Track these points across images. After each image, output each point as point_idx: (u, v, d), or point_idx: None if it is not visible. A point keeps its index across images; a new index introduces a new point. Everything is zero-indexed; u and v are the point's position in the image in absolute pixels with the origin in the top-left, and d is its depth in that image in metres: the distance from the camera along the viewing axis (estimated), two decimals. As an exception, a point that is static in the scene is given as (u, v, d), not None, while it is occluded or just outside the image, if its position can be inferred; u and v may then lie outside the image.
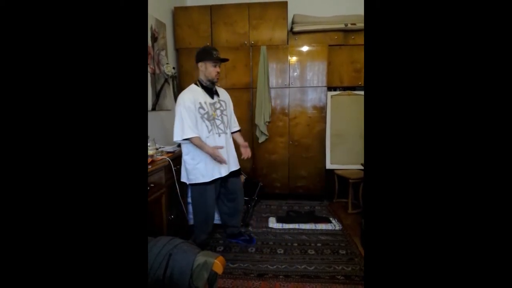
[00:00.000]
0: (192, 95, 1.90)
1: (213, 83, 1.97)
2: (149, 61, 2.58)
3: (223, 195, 2.18)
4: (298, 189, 3.23)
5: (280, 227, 2.55)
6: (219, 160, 1.92)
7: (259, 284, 1.77)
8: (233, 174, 2.09)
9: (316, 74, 3.07)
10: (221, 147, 1.95)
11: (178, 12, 3.11)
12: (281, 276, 1.83)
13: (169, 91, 2.96)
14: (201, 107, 1.90)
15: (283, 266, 1.95)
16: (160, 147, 2.15)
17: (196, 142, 1.88)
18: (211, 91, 1.98)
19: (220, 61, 1.93)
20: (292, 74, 3.09)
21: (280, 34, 3.06)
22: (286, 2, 3.01)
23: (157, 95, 2.71)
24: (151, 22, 2.61)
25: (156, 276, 1.10)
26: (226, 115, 2.03)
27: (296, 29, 3.10)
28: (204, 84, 1.96)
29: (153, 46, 2.64)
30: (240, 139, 2.21)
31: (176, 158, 2.10)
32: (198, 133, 1.87)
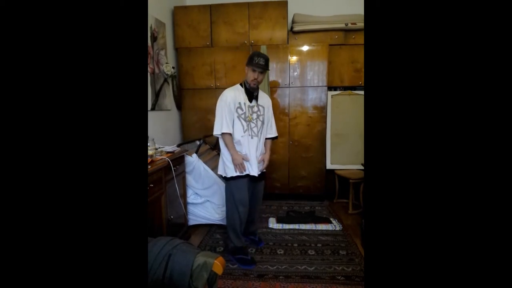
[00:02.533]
0: (234, 93, 1.96)
1: (255, 87, 1.99)
2: (149, 60, 2.57)
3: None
4: (298, 189, 3.23)
5: (280, 228, 2.55)
6: (239, 168, 1.95)
7: (259, 284, 1.76)
8: (259, 178, 2.08)
9: (317, 73, 3.06)
10: (247, 159, 1.98)
11: (178, 12, 3.11)
12: (281, 277, 1.83)
13: (168, 90, 2.96)
14: (240, 107, 1.95)
15: (283, 267, 1.95)
16: (159, 147, 2.15)
17: (227, 140, 1.94)
18: (251, 94, 2.00)
19: (257, 68, 1.90)
20: (292, 74, 3.09)
21: (280, 34, 3.05)
22: (286, 2, 3.00)
23: (157, 95, 2.70)
24: (150, 22, 2.60)
25: (156, 277, 1.10)
26: (262, 121, 2.03)
27: (296, 28, 3.10)
28: (247, 86, 1.99)
29: (152, 45, 2.63)
30: (269, 148, 2.14)
31: (176, 158, 2.09)
32: (231, 130, 1.94)
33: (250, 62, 1.92)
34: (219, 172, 2.10)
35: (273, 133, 2.16)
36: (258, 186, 2.14)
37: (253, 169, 1.99)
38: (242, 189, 1.99)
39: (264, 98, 2.09)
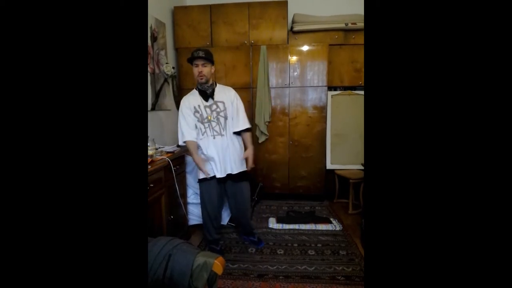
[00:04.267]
0: (188, 99, 2.00)
1: (206, 85, 1.95)
2: (149, 60, 2.57)
3: (227, 197, 2.20)
4: (298, 189, 3.23)
5: (280, 228, 2.55)
6: (202, 171, 1.98)
7: (259, 284, 1.76)
8: (231, 178, 2.04)
9: (317, 73, 3.06)
10: (206, 161, 2.00)
11: (178, 12, 3.11)
12: (281, 277, 1.83)
13: (168, 91, 2.96)
14: (196, 111, 1.97)
15: (283, 267, 1.95)
16: (159, 147, 2.15)
17: (189, 146, 1.98)
18: (205, 94, 1.97)
19: (198, 59, 1.86)
20: (292, 74, 3.09)
21: (280, 34, 3.05)
22: (286, 2, 3.00)
23: (157, 95, 2.70)
24: (150, 22, 2.60)
25: (156, 277, 1.10)
26: (224, 117, 1.99)
27: (296, 28, 3.10)
28: (199, 87, 1.98)
29: (152, 45, 2.63)
30: (247, 143, 2.11)
31: (176, 158, 2.09)
32: (193, 137, 1.97)
33: (190, 58, 1.91)
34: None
35: (240, 126, 2.03)
36: (236, 187, 2.08)
37: (218, 170, 1.99)
38: (209, 191, 2.04)
39: (223, 93, 2.02)
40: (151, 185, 1.73)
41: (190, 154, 2.02)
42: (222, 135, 1.98)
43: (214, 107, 1.98)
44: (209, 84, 1.96)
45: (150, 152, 1.88)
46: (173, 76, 2.97)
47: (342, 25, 3.04)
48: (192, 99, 1.99)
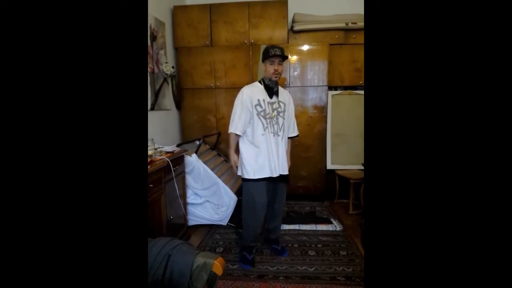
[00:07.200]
0: (251, 90, 1.91)
1: (275, 82, 1.92)
2: (148, 60, 2.56)
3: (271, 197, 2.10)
4: (299, 189, 3.22)
5: (281, 228, 2.53)
6: (234, 166, 1.97)
7: (259, 285, 1.75)
8: (282, 178, 1.98)
9: (317, 73, 3.05)
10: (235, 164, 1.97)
11: (178, 11, 3.10)
12: (281, 277, 1.82)
13: (168, 90, 2.95)
14: (259, 104, 1.88)
15: (283, 267, 1.94)
16: (159, 147, 2.13)
17: (231, 139, 1.93)
18: (271, 90, 1.92)
19: (276, 57, 1.84)
20: (293, 73, 3.08)
21: (280, 33, 3.04)
22: (286, 1, 2.99)
23: (156, 95, 2.69)
24: (150, 21, 2.59)
25: (156, 277, 1.09)
26: (283, 118, 1.94)
27: (297, 28, 3.09)
28: (266, 83, 1.92)
29: (152, 45, 2.62)
30: (288, 147, 2.07)
31: (175, 158, 2.08)
32: (241, 132, 1.90)
33: (266, 55, 1.87)
34: (238, 173, 2.01)
35: (295, 131, 2.08)
36: (280, 188, 2.02)
37: (275, 169, 1.90)
38: (261, 192, 1.93)
39: (284, 94, 2.01)
40: (150, 185, 1.71)
41: (228, 147, 1.97)
42: (278, 135, 1.93)
43: (276, 105, 1.93)
44: (275, 83, 1.93)
45: (149, 152, 1.86)
46: (172, 75, 2.96)
47: (343, 25, 3.03)
48: (256, 91, 1.90)
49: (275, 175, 1.91)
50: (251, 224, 1.97)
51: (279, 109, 1.93)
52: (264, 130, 1.89)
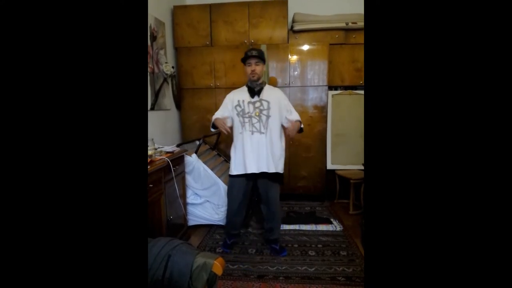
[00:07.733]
0: (234, 93, 2.09)
1: (256, 82, 2.01)
2: (148, 60, 2.56)
3: (258, 196, 2.19)
4: (299, 189, 3.21)
5: (281, 228, 2.53)
6: (222, 129, 1.95)
7: (259, 285, 1.75)
8: (264, 176, 2.01)
9: (317, 73, 3.05)
10: (228, 129, 1.96)
11: (178, 11, 3.10)
12: (281, 278, 1.82)
13: (168, 90, 2.94)
14: (238, 105, 2.02)
15: (283, 268, 1.93)
16: (159, 147, 2.13)
17: (214, 119, 2.04)
18: (253, 91, 2.03)
19: (252, 58, 1.95)
20: (293, 73, 3.08)
21: (280, 33, 3.04)
22: (286, 1, 2.99)
23: (156, 95, 2.69)
24: (150, 21, 2.59)
25: (156, 277, 1.09)
26: (268, 115, 1.98)
27: (297, 27, 3.08)
28: (248, 84, 2.06)
29: (152, 45, 2.62)
30: (291, 125, 2.02)
31: (175, 158, 2.08)
32: (220, 116, 2.03)
33: (244, 58, 2.01)
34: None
35: (292, 118, 2.04)
36: (268, 185, 2.04)
37: (251, 166, 1.99)
38: (235, 186, 2.08)
39: (271, 93, 2.05)
40: (150, 185, 1.71)
41: (214, 121, 2.04)
42: (262, 133, 1.98)
43: (258, 104, 2.00)
44: (258, 82, 2.02)
45: (149, 152, 1.86)
46: (172, 75, 2.96)
47: (343, 25, 3.03)
48: (239, 93, 2.07)
49: (250, 171, 2.00)
50: (228, 214, 2.21)
51: (261, 107, 2.01)
52: (242, 128, 2.01)
